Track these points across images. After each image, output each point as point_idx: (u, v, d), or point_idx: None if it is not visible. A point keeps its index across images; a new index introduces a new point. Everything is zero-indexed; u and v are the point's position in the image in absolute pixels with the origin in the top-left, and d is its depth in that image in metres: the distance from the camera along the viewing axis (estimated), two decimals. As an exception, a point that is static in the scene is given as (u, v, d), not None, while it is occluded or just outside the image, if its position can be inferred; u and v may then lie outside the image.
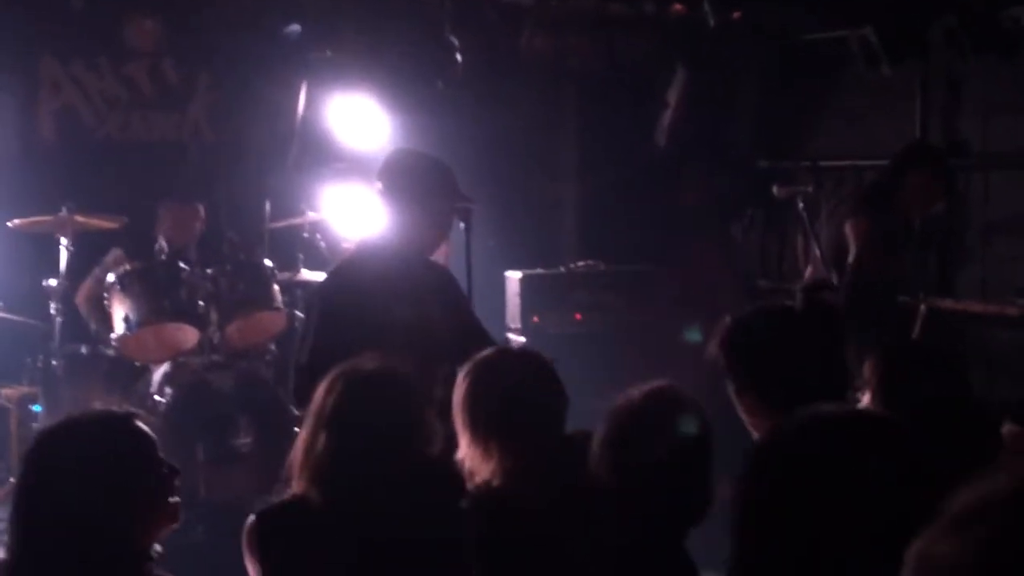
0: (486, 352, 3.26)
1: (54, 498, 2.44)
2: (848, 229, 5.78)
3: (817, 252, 5.73)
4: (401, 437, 2.83)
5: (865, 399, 2.92)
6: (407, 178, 4.17)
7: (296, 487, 2.84)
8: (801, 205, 6.21)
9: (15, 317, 6.62)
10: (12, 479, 6.48)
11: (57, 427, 2.55)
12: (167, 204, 7.01)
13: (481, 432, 3.06)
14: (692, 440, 2.79)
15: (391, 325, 3.99)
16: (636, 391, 2.85)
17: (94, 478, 2.45)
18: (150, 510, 2.53)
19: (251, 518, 2.87)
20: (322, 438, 2.80)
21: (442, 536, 2.84)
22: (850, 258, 5.71)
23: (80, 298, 6.80)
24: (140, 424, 2.60)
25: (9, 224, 6.54)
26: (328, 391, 2.86)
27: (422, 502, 2.80)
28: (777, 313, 3.04)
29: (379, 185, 4.20)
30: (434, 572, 2.82)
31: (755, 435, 2.77)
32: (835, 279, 5.66)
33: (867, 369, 2.96)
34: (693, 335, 7.95)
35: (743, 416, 2.83)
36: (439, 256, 4.61)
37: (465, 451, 3.07)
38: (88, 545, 2.43)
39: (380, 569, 2.75)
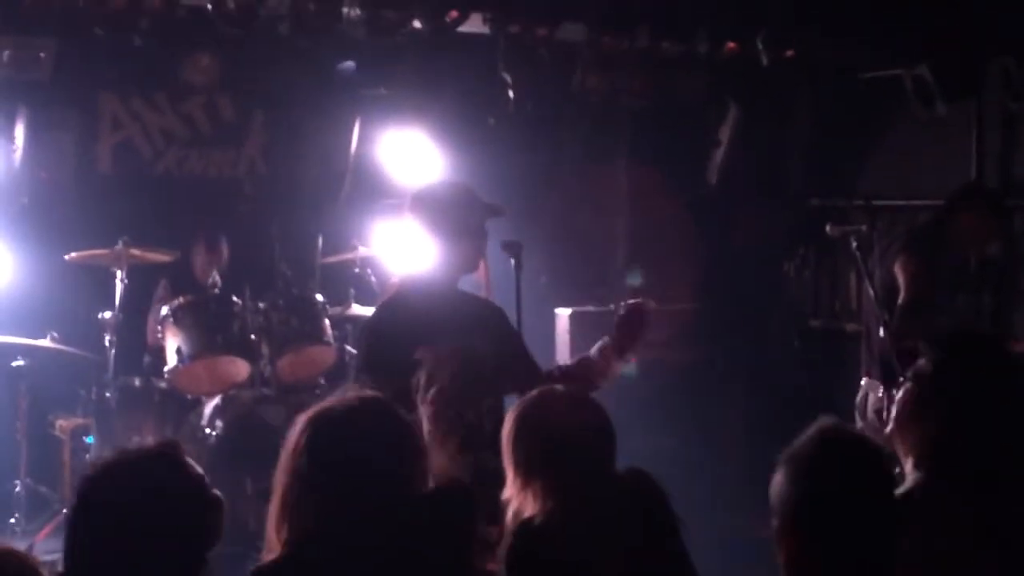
0: (535, 391, 3.26)
1: (100, 534, 2.47)
2: (898, 269, 5.73)
3: (871, 292, 5.68)
4: (379, 474, 2.67)
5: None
6: (434, 210, 4.21)
7: (282, 544, 2.66)
8: (855, 244, 6.17)
9: (70, 349, 6.69)
10: (65, 510, 6.54)
11: (105, 463, 2.57)
12: (199, 246, 7.15)
13: (524, 470, 3.05)
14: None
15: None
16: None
17: (141, 515, 2.46)
18: (196, 543, 2.54)
19: None
20: (296, 487, 2.66)
21: (445, 564, 2.77)
22: (900, 299, 5.65)
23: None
24: (185, 458, 2.58)
25: (66, 257, 6.62)
26: (298, 437, 2.71)
27: (415, 536, 2.68)
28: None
29: (411, 220, 4.25)
30: None
31: (888, 428, 2.74)
32: (886, 319, 5.61)
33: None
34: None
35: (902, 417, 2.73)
36: (479, 276, 4.62)
37: (510, 489, 3.07)
38: None
39: None
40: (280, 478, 2.68)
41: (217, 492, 2.58)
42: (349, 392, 2.82)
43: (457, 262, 4.23)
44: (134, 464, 2.55)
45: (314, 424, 2.70)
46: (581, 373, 4.33)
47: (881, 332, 5.40)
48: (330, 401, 2.78)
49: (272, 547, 2.67)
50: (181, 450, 2.59)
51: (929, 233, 5.92)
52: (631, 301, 4.35)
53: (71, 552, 2.49)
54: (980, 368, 2.73)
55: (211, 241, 7.17)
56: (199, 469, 2.58)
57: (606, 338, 4.34)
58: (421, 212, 4.23)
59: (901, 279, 5.68)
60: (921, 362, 2.77)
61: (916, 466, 2.67)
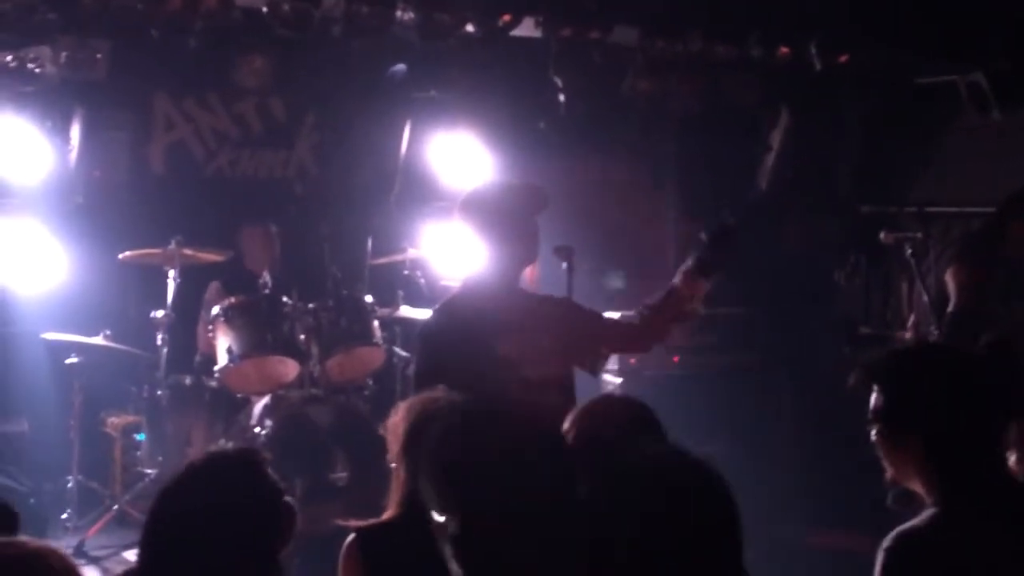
0: (590, 400, 3.25)
1: (177, 534, 2.51)
2: (948, 277, 5.66)
3: (925, 299, 5.62)
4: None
5: (1011, 461, 2.80)
6: (484, 213, 4.16)
7: (391, 508, 3.00)
8: (910, 251, 6.11)
9: (122, 347, 6.76)
10: (116, 506, 6.61)
11: (190, 465, 2.63)
12: (246, 231, 7.21)
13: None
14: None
15: (498, 359, 3.98)
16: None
17: (218, 517, 2.51)
18: (267, 547, 2.58)
19: (351, 536, 2.97)
20: (406, 464, 2.97)
21: None
22: (950, 307, 5.58)
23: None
24: (265, 466, 2.66)
25: (119, 256, 6.69)
26: (401, 419, 3.04)
27: None
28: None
29: (466, 223, 4.20)
30: None
31: (892, 474, 2.66)
32: (935, 327, 5.54)
33: (1014, 431, 2.80)
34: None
35: (890, 459, 2.65)
36: (527, 277, 4.60)
37: None
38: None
39: None
40: (396, 456, 3.03)
41: (290, 500, 2.67)
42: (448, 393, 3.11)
43: (513, 260, 4.18)
44: (217, 468, 2.62)
45: (426, 415, 2.97)
46: (669, 305, 4.33)
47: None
48: (441, 395, 3.09)
49: (390, 510, 3.04)
50: (261, 457, 2.68)
51: (982, 240, 5.85)
52: (721, 224, 4.36)
53: (147, 549, 2.54)
54: (926, 377, 2.64)
55: (256, 226, 7.25)
56: (276, 478, 2.67)
57: (688, 261, 4.33)
58: (471, 216, 4.19)
59: (951, 287, 5.62)
60: (872, 397, 2.69)
61: (932, 501, 2.56)
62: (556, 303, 4.36)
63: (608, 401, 3.26)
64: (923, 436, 2.55)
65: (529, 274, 4.71)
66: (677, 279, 4.34)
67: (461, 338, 3.99)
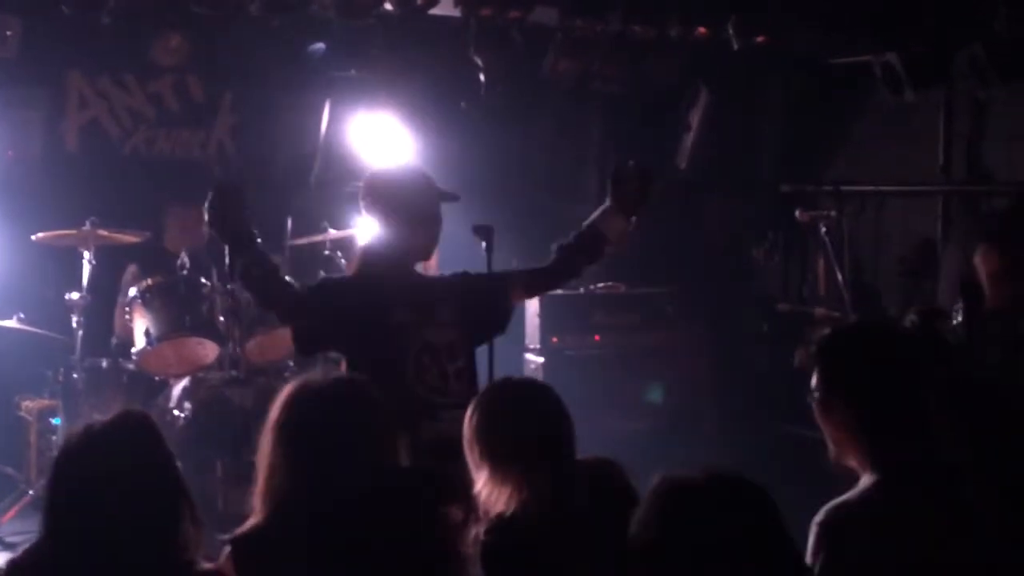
0: (490, 385, 3.26)
1: (74, 506, 2.52)
2: (978, 262, 5.55)
3: (839, 277, 5.68)
4: (355, 450, 2.79)
5: None
6: (388, 195, 4.17)
7: (261, 510, 2.80)
8: (824, 230, 6.19)
9: (37, 330, 6.65)
10: (31, 491, 6.51)
11: (80, 433, 2.61)
12: (173, 211, 7.11)
13: (491, 464, 3.05)
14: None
15: (393, 325, 4.00)
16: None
17: (119, 481, 2.51)
18: (176, 510, 2.58)
19: (226, 549, 2.79)
20: (273, 457, 2.81)
21: (412, 545, 2.78)
22: (987, 293, 5.48)
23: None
24: (155, 424, 2.66)
25: (33, 237, 6.57)
26: (280, 410, 2.85)
27: (385, 514, 2.75)
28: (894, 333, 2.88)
29: (365, 205, 4.21)
30: None
31: (832, 450, 2.67)
32: (961, 307, 5.46)
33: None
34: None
35: (827, 432, 2.69)
36: (428, 266, 4.60)
37: (480, 485, 3.06)
38: (118, 547, 2.49)
39: None
40: (264, 448, 2.84)
41: (168, 447, 2.67)
42: (325, 371, 2.93)
43: (411, 247, 4.17)
44: (97, 436, 2.60)
45: (296, 400, 2.84)
46: (587, 244, 4.33)
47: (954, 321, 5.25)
48: (311, 378, 2.92)
49: (256, 513, 2.80)
50: (151, 421, 2.67)
51: (1011, 223, 5.73)
52: (635, 165, 4.32)
53: (48, 524, 2.55)
54: (864, 350, 2.69)
55: (187, 206, 7.17)
56: (156, 428, 2.66)
57: (607, 202, 4.31)
58: (374, 197, 4.19)
59: (981, 274, 5.50)
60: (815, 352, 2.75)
61: (864, 470, 2.60)
62: (449, 278, 4.32)
63: (507, 384, 3.27)
64: (853, 410, 2.60)
65: (432, 263, 4.69)
66: (597, 218, 4.31)
67: (352, 292, 4.03)
